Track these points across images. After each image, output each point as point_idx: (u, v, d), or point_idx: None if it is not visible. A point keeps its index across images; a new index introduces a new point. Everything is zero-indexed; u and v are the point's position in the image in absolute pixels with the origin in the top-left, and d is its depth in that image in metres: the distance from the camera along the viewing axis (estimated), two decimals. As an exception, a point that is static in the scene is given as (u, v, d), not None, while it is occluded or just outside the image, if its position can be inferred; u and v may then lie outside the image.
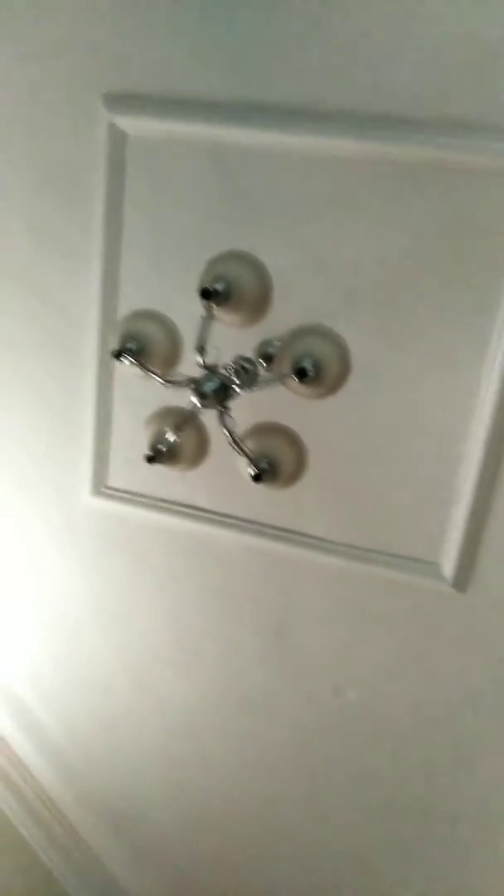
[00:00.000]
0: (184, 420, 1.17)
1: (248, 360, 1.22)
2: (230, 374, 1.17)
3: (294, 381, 1.08)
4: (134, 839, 2.02)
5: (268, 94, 1.26)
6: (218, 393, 1.13)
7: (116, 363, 1.16)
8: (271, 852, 1.85)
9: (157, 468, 1.21)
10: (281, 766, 1.73)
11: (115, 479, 1.62)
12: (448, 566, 1.39)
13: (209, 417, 1.19)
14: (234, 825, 1.86)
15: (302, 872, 1.84)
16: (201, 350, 1.13)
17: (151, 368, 1.16)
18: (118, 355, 1.13)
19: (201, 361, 1.15)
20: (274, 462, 1.18)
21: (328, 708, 1.61)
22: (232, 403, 1.16)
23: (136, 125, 1.35)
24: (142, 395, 1.50)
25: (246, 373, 1.20)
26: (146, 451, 1.19)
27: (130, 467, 1.60)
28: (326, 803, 1.72)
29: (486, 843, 1.60)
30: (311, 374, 1.07)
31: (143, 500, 1.60)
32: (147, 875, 2.05)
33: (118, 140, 1.36)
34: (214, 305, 1.07)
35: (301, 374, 1.07)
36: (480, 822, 1.59)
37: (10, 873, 2.04)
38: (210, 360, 1.16)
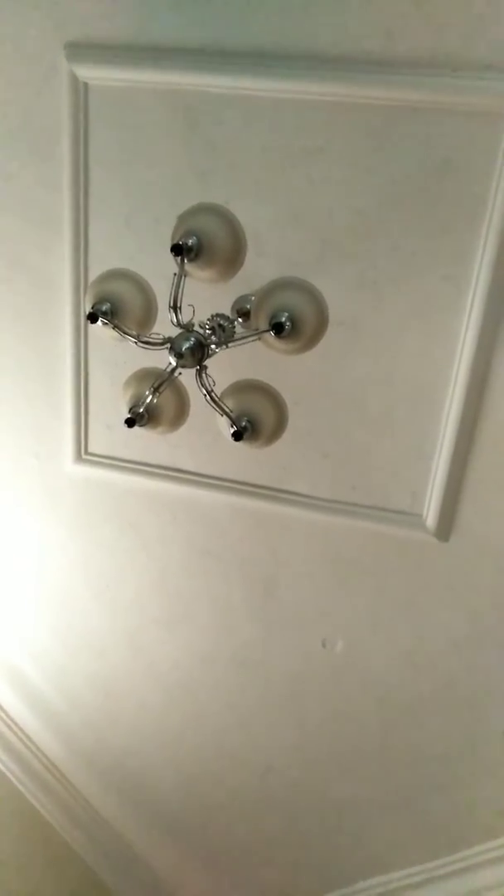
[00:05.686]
0: (161, 381, 1.16)
1: (224, 316, 1.20)
2: (206, 332, 1.16)
3: (271, 336, 1.07)
4: (136, 797, 2.08)
5: (234, 39, 1.21)
6: (195, 351, 1.12)
7: (91, 326, 1.14)
8: (268, 800, 1.91)
9: (138, 431, 1.20)
10: (273, 717, 1.78)
11: (97, 445, 1.61)
12: (430, 517, 1.41)
13: (188, 377, 1.18)
14: (231, 777, 1.91)
15: (299, 817, 1.91)
16: (175, 308, 1.11)
17: (127, 330, 1.13)
18: (92, 318, 1.11)
19: (176, 320, 1.13)
20: (254, 420, 1.17)
21: (317, 659, 1.64)
22: (210, 362, 1.15)
23: (97, 75, 1.30)
24: (118, 357, 1.48)
25: (222, 330, 1.18)
26: (125, 414, 1.18)
27: (111, 432, 1.59)
28: (319, 751, 1.78)
29: (472, 780, 1.66)
30: (287, 328, 1.06)
31: (126, 464, 1.60)
32: (151, 830, 2.12)
33: (80, 91, 1.31)
34: (186, 261, 1.05)
35: (278, 329, 1.06)
36: (467, 761, 1.65)
37: (20, 840, 2.08)
38: (185, 318, 1.14)
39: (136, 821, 2.12)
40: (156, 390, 1.16)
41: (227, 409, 1.16)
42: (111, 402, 1.54)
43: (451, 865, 1.77)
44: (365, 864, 1.89)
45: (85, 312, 1.14)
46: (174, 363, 1.13)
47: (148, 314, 1.17)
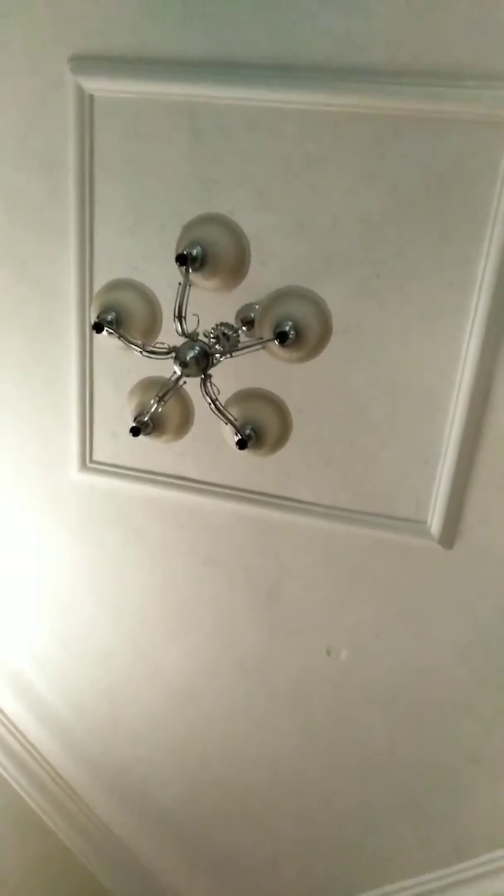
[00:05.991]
0: (166, 390, 1.17)
1: (228, 325, 1.21)
2: (210, 341, 1.16)
3: (275, 345, 1.07)
4: (140, 804, 2.07)
5: (238, 51, 1.22)
6: (199, 360, 1.13)
7: (96, 336, 1.14)
8: (273, 809, 1.90)
9: (143, 440, 1.21)
10: (278, 725, 1.77)
11: (102, 453, 1.62)
12: (435, 523, 1.41)
13: (192, 386, 1.18)
14: (236, 785, 1.91)
15: (305, 827, 1.90)
16: (180, 318, 1.12)
17: (132, 339, 1.14)
18: (98, 327, 1.12)
19: (180, 329, 1.13)
20: (258, 428, 1.17)
21: (322, 667, 1.64)
22: (214, 371, 1.16)
23: (102, 87, 1.31)
24: (123, 366, 1.49)
25: (227, 339, 1.19)
26: (130, 423, 1.18)
27: (116, 440, 1.59)
28: (324, 759, 1.77)
29: (479, 787, 1.66)
30: (291, 337, 1.06)
31: (131, 472, 1.60)
32: (156, 838, 2.11)
33: (85, 103, 1.32)
34: (191, 271, 1.06)
35: (282, 337, 1.06)
36: (473, 767, 1.64)
37: (23, 847, 2.08)
38: (190, 327, 1.14)
39: (140, 828, 2.11)
40: (161, 399, 1.17)
41: (231, 418, 1.16)
42: (116, 411, 1.55)
43: (456, 875, 1.76)
44: (368, 874, 1.88)
45: (90, 322, 1.15)
46: (179, 372, 1.14)
47: (153, 324, 1.17)
